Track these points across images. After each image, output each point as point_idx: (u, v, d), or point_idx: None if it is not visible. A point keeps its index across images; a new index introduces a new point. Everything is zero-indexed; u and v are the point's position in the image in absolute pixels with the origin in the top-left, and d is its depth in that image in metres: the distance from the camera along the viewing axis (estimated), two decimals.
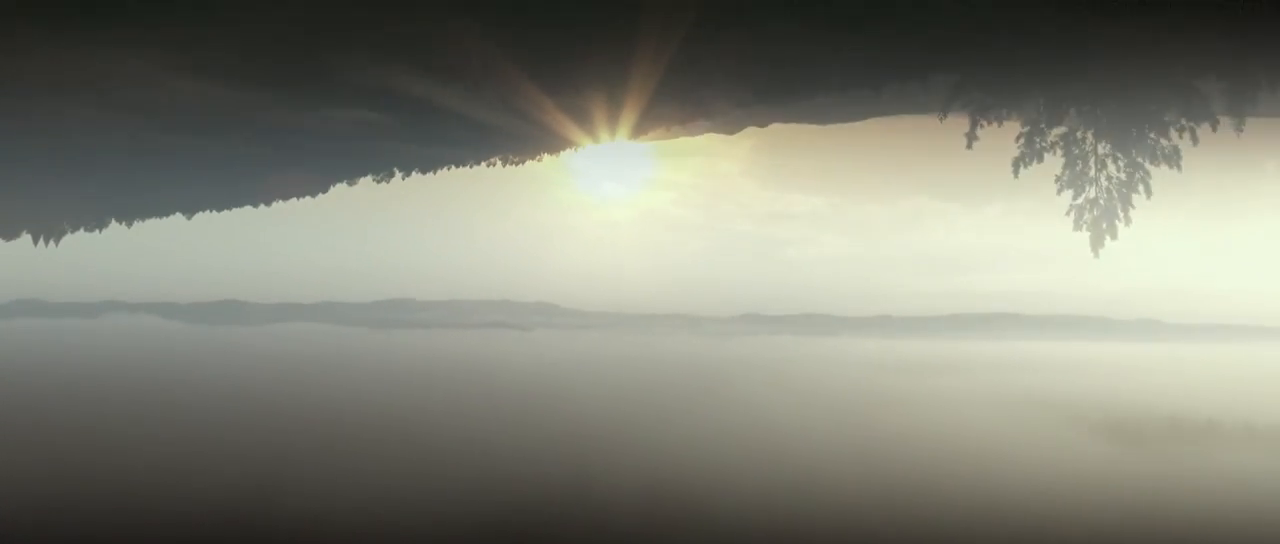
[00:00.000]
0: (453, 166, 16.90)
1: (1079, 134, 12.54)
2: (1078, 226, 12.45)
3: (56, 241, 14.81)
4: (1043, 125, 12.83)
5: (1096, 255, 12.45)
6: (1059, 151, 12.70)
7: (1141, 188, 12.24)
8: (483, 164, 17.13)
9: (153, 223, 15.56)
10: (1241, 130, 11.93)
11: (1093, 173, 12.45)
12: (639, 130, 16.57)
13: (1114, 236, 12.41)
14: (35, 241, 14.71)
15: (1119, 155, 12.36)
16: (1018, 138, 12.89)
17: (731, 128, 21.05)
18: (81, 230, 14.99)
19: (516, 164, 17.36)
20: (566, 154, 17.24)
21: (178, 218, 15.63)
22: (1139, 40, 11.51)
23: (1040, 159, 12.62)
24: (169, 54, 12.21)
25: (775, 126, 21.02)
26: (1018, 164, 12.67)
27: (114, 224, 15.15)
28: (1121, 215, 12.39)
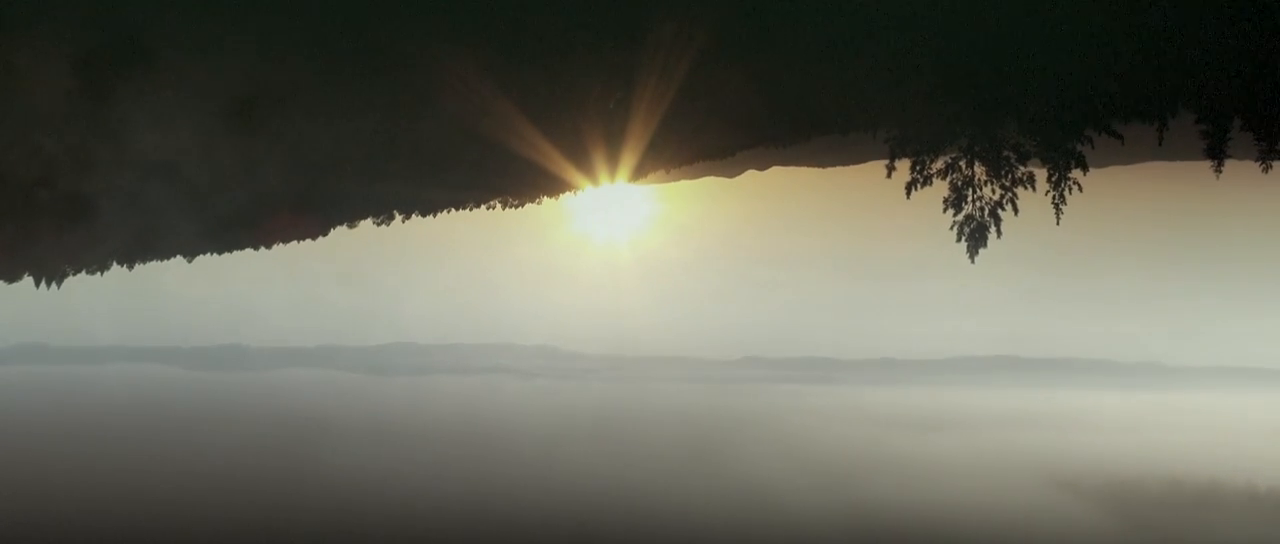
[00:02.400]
0: (453, 209, 16.97)
1: (962, 163, 14.45)
2: (958, 239, 14.40)
3: (58, 284, 14.84)
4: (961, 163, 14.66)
5: (973, 262, 14.44)
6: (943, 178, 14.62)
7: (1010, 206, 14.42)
8: (483, 207, 17.20)
9: (154, 265, 15.60)
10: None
11: (970, 195, 14.49)
12: (638, 173, 16.65)
13: (985, 246, 14.49)
14: (36, 284, 14.73)
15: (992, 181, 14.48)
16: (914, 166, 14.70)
17: (731, 170, 21.17)
18: (83, 273, 15.02)
19: (516, 207, 17.43)
20: (566, 196, 17.31)
21: (178, 261, 15.67)
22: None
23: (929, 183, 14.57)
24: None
25: (775, 169, 21.15)
26: (910, 187, 14.54)
27: (115, 267, 15.18)
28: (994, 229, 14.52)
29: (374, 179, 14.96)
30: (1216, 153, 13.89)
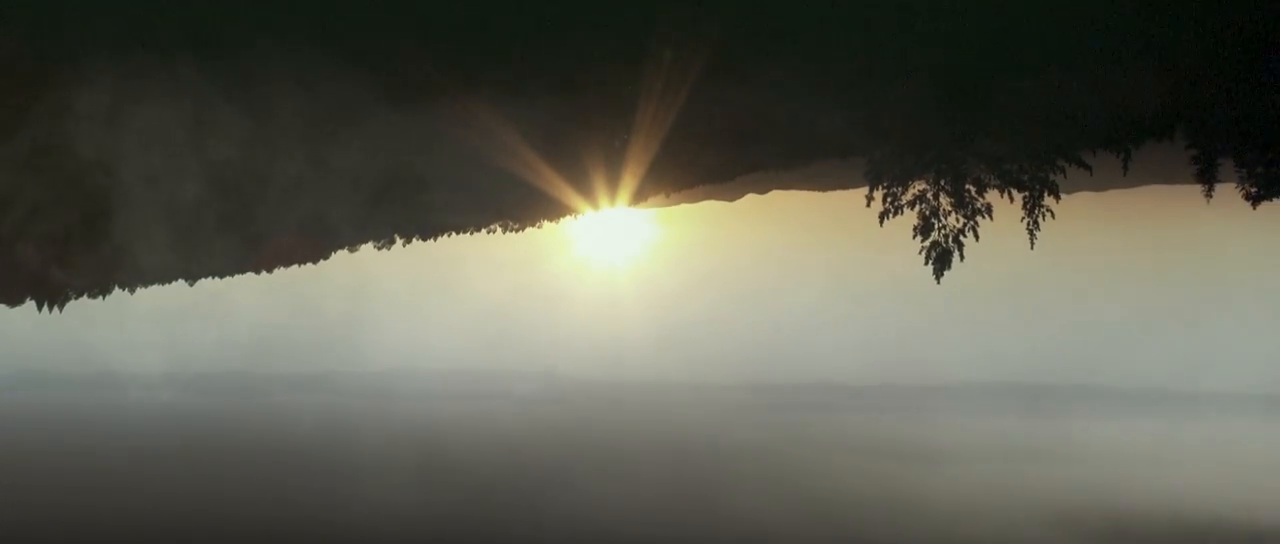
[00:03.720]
0: (453, 233, 17.01)
1: (931, 193, 15.83)
2: (926, 262, 15.94)
3: (60, 308, 14.88)
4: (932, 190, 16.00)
5: (939, 282, 15.95)
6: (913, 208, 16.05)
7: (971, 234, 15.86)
8: (483, 230, 17.24)
9: (155, 289, 15.63)
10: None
11: (938, 221, 15.90)
12: (638, 196, 16.72)
13: (949, 267, 15.94)
14: (39, 308, 14.77)
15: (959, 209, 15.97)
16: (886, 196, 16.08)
17: (731, 194, 21.24)
18: (85, 297, 15.06)
19: (516, 230, 17.47)
20: (566, 220, 17.36)
21: (180, 285, 15.70)
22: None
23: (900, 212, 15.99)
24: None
25: (775, 193, 21.22)
26: (883, 217, 15.96)
27: (118, 291, 15.22)
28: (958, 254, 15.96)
29: (375, 203, 15.02)
30: (1206, 177, 15.14)
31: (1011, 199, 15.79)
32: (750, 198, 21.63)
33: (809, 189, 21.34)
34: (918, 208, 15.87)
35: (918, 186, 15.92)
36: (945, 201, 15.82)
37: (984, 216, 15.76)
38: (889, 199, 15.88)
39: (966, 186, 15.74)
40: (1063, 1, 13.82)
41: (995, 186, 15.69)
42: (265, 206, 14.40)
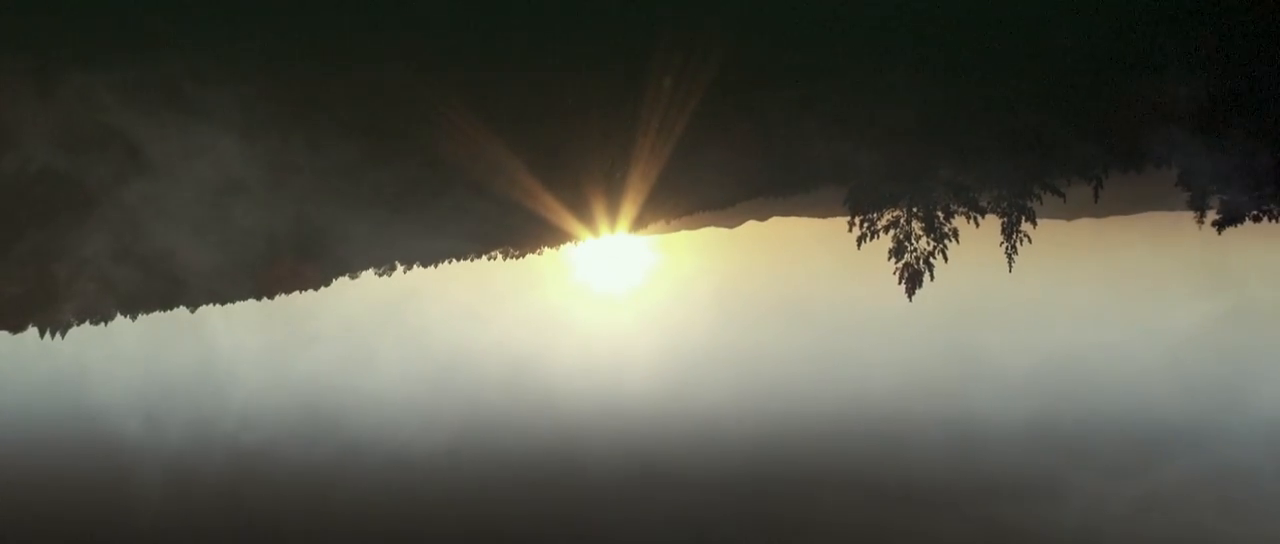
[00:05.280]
0: (454, 260, 17.04)
1: (904, 219, 17.18)
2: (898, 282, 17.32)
3: (62, 335, 14.90)
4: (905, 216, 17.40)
5: (910, 300, 17.39)
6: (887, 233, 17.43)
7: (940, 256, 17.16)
8: (484, 257, 17.28)
9: (156, 316, 15.64)
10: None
11: (910, 244, 17.18)
12: (639, 223, 16.78)
13: (920, 286, 17.30)
14: (41, 335, 14.79)
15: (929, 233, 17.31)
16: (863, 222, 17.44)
17: (731, 220, 21.29)
18: (87, 324, 15.08)
19: (517, 257, 17.51)
20: (566, 247, 17.41)
21: (181, 311, 15.71)
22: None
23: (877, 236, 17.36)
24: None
25: (775, 219, 21.26)
26: (861, 240, 17.31)
27: (119, 318, 15.24)
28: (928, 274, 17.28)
29: (377, 230, 15.07)
30: (1197, 205, 16.42)
31: (977, 225, 16.98)
32: (751, 224, 21.67)
33: (810, 216, 21.40)
34: (892, 232, 17.19)
35: (892, 213, 17.22)
36: (917, 226, 17.12)
37: (951, 240, 17.04)
38: (866, 224, 17.26)
39: (936, 213, 17.03)
40: (1037, 45, 15.09)
41: (961, 213, 17.00)
42: (265, 233, 14.45)
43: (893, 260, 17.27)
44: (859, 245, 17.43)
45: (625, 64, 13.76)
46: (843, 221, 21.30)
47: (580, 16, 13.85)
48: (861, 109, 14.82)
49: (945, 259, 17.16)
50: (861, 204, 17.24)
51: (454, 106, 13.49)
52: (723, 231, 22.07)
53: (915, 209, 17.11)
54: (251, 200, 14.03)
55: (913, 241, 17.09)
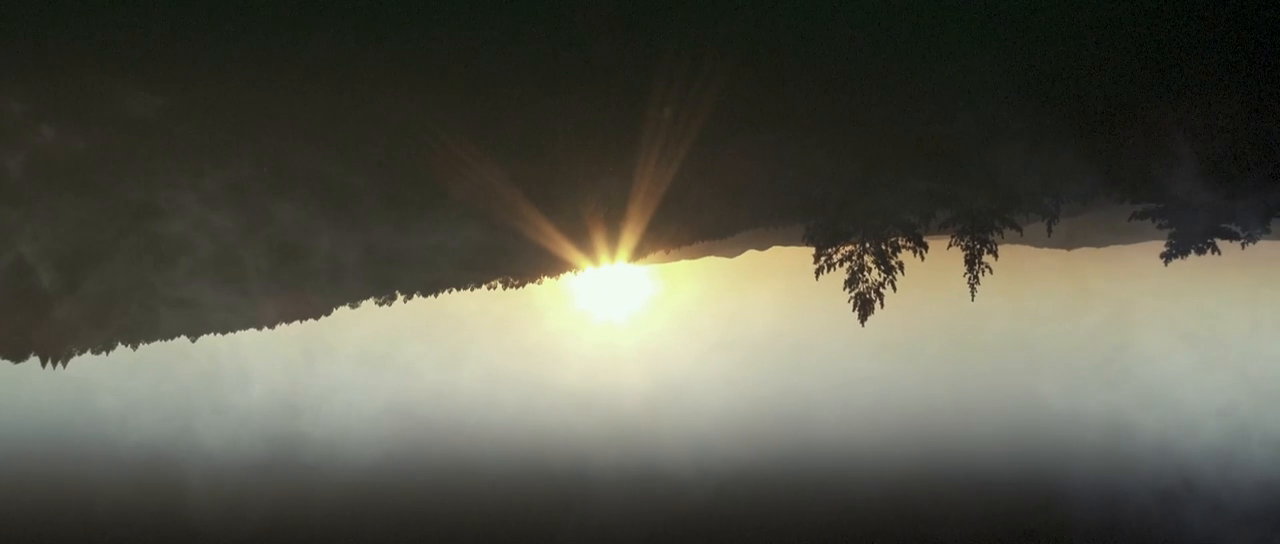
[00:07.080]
0: (454, 289, 17.06)
1: (856, 253, 18.59)
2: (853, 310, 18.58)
3: (64, 364, 14.91)
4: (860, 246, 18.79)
5: (863, 325, 18.73)
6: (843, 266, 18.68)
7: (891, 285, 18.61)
8: (484, 287, 17.29)
9: (157, 345, 15.64)
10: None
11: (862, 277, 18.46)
12: (639, 253, 16.82)
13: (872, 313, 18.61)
14: (42, 364, 14.80)
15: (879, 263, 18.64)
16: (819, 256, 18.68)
17: (731, 250, 21.34)
18: (88, 352, 15.09)
19: (516, 287, 17.53)
20: (566, 276, 17.43)
21: (182, 341, 15.72)
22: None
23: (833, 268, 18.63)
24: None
25: (775, 249, 21.30)
26: (818, 272, 18.47)
27: (120, 346, 15.26)
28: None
29: (380, 260, 15.11)
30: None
31: (923, 257, 18.42)
32: (750, 254, 21.71)
33: (810, 246, 21.44)
34: (846, 264, 18.50)
35: (846, 247, 18.51)
36: (868, 259, 18.44)
37: (899, 271, 18.50)
38: (821, 257, 18.53)
39: (883, 246, 18.38)
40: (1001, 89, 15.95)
41: (908, 247, 18.37)
42: (269, 261, 14.50)
43: (847, 290, 18.56)
44: (817, 276, 18.73)
45: (626, 94, 13.86)
46: (845, 250, 21.35)
47: (581, 49, 13.96)
48: (848, 141, 14.94)
49: (895, 288, 18.63)
50: (818, 240, 18.57)
51: (455, 136, 13.57)
52: (723, 261, 22.11)
53: (867, 244, 18.53)
54: (253, 231, 14.09)
55: (865, 273, 18.53)
